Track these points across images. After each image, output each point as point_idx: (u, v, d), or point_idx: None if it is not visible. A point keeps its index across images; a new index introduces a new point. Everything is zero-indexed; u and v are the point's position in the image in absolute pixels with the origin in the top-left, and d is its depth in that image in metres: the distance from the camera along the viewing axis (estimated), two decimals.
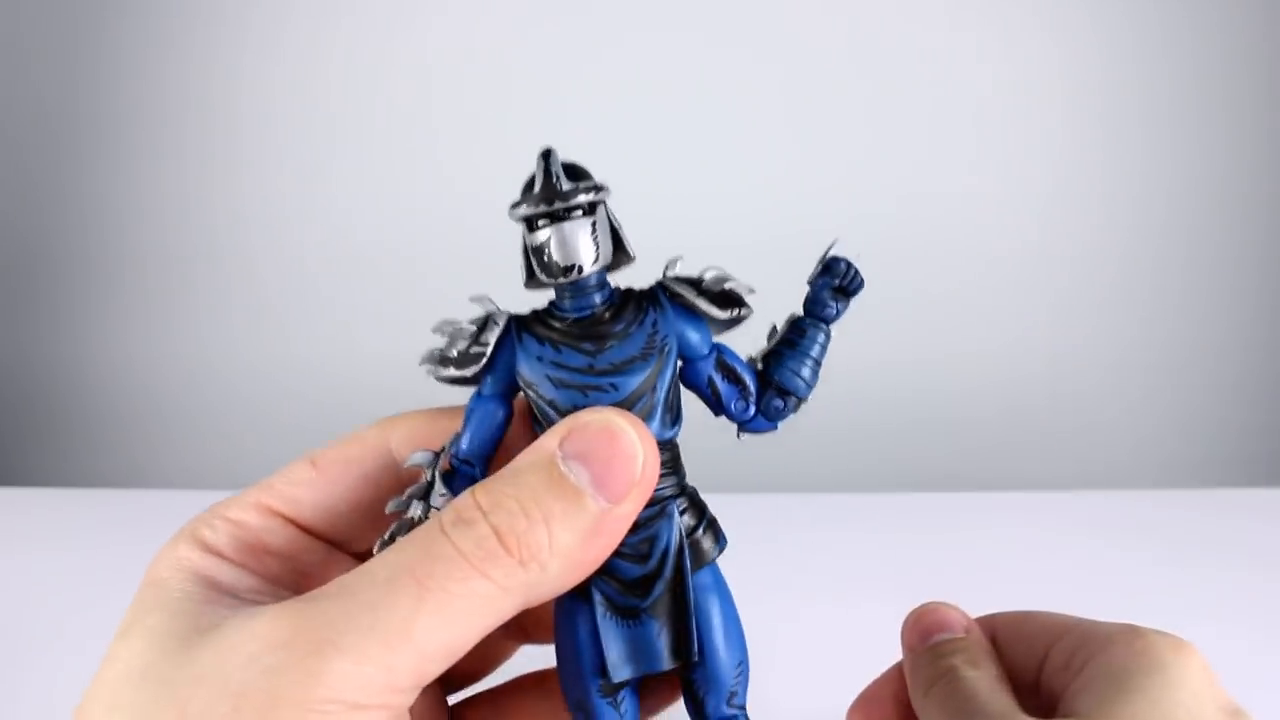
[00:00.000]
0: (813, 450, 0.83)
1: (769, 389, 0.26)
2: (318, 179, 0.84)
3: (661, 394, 0.25)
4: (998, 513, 0.66)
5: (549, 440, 0.23)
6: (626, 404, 0.24)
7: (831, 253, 0.26)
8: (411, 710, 0.27)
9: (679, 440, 0.26)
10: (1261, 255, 0.85)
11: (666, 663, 0.25)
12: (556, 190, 0.24)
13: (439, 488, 0.25)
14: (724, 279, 0.26)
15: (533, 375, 0.25)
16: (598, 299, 0.25)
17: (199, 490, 0.27)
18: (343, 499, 0.26)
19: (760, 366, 0.26)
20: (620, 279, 0.27)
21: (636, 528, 0.24)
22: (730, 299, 0.26)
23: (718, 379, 0.26)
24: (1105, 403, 0.87)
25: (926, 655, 0.29)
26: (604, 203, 0.25)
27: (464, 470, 0.25)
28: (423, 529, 0.22)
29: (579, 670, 0.25)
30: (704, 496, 0.27)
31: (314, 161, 0.84)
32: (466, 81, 0.82)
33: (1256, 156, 0.84)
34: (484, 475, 0.24)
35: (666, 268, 0.26)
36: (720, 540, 0.26)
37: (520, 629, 0.30)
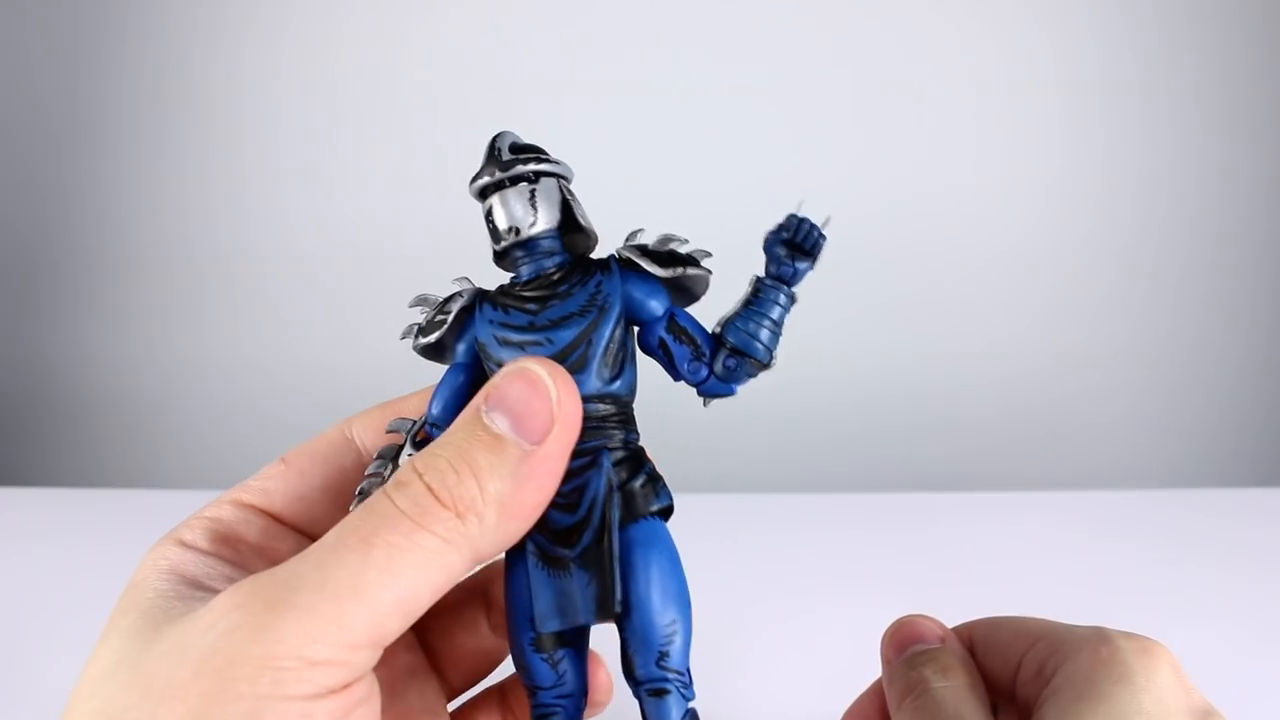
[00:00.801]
0: (813, 450, 0.83)
1: (723, 350, 0.26)
2: (318, 179, 0.84)
3: (599, 347, 0.25)
4: (998, 513, 0.66)
5: (477, 397, 0.23)
6: (560, 355, 0.25)
7: (792, 211, 0.26)
8: (413, 711, 0.27)
9: (632, 400, 0.26)
10: (1261, 255, 0.85)
11: (592, 615, 0.24)
12: (498, 162, 0.26)
13: (407, 449, 0.26)
14: (669, 239, 0.26)
15: (484, 338, 0.26)
16: (548, 264, 0.26)
17: (199, 490, 0.28)
18: (312, 488, 0.27)
19: (719, 330, 0.26)
20: None
21: (569, 477, 0.24)
22: (676, 258, 0.26)
23: (669, 340, 0.26)
24: (1105, 403, 0.87)
25: (900, 667, 0.29)
26: (556, 178, 0.26)
27: (435, 435, 0.26)
28: (370, 497, 0.22)
29: (515, 623, 0.25)
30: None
31: (314, 161, 0.84)
32: (468, 81, 0.82)
33: (1257, 156, 0.84)
34: None
35: (626, 239, 0.27)
36: (661, 495, 0.26)
37: (502, 615, 0.30)
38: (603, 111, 0.82)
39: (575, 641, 0.26)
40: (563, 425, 0.23)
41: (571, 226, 0.27)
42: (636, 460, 0.26)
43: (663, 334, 0.26)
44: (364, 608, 0.20)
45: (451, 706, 0.30)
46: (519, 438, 0.23)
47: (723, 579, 0.55)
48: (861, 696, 0.32)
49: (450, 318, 0.26)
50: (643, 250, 0.26)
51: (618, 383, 0.26)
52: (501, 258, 0.27)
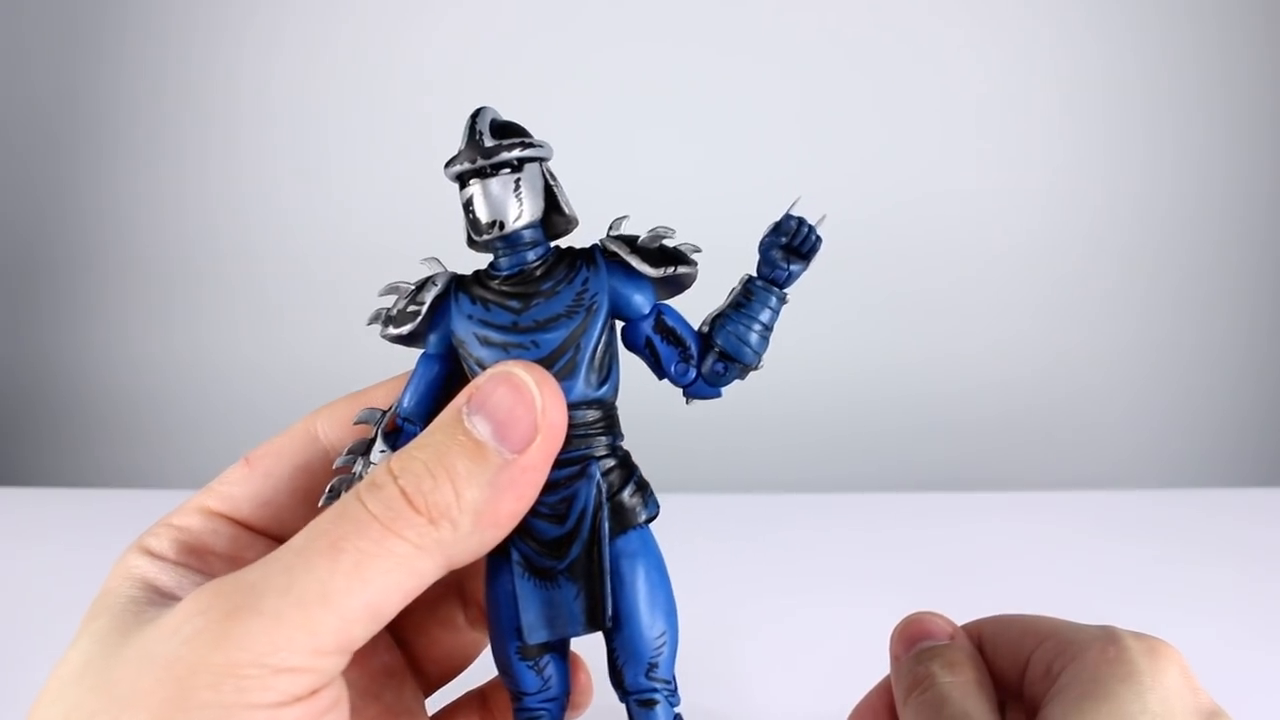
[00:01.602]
0: (813, 450, 0.83)
1: (711, 352, 0.25)
2: (317, 179, 0.84)
3: (586, 352, 0.24)
4: (998, 513, 0.66)
5: (459, 399, 0.23)
6: (547, 361, 0.24)
7: (788, 211, 0.25)
8: (390, 712, 0.26)
9: (618, 404, 0.25)
10: (1262, 255, 0.85)
11: (581, 627, 0.24)
12: (480, 147, 0.24)
13: (379, 444, 0.25)
14: (660, 235, 0.25)
15: (463, 334, 0.25)
16: (530, 256, 0.25)
17: (198, 490, 0.27)
18: (277, 490, 0.26)
19: (707, 330, 0.25)
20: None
21: (556, 487, 0.24)
22: (667, 255, 0.25)
23: (656, 340, 0.25)
24: (1105, 403, 0.86)
25: (908, 663, 0.29)
26: (539, 161, 0.25)
27: (407, 429, 0.25)
28: (341, 498, 0.22)
29: (499, 631, 0.25)
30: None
31: (314, 162, 0.84)
32: (468, 81, 0.82)
33: (1257, 157, 0.84)
34: None
35: (610, 228, 0.26)
36: (650, 505, 0.25)
37: (479, 609, 0.30)
38: (603, 112, 0.82)
39: (560, 646, 0.25)
40: (546, 435, 0.22)
41: (552, 211, 0.26)
42: (625, 468, 0.25)
43: (650, 333, 0.25)
44: (332, 614, 0.20)
45: (432, 710, 0.30)
46: (500, 445, 0.22)
47: (724, 579, 0.55)
48: (870, 693, 0.32)
49: (424, 309, 0.25)
50: (630, 245, 0.25)
51: (605, 387, 0.25)
52: (475, 245, 0.26)
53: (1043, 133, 0.83)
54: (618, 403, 0.26)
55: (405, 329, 0.25)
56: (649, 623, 0.24)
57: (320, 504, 0.26)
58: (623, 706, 0.25)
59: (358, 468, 0.25)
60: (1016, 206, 0.84)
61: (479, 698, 0.31)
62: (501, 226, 0.24)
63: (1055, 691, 0.26)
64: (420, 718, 0.29)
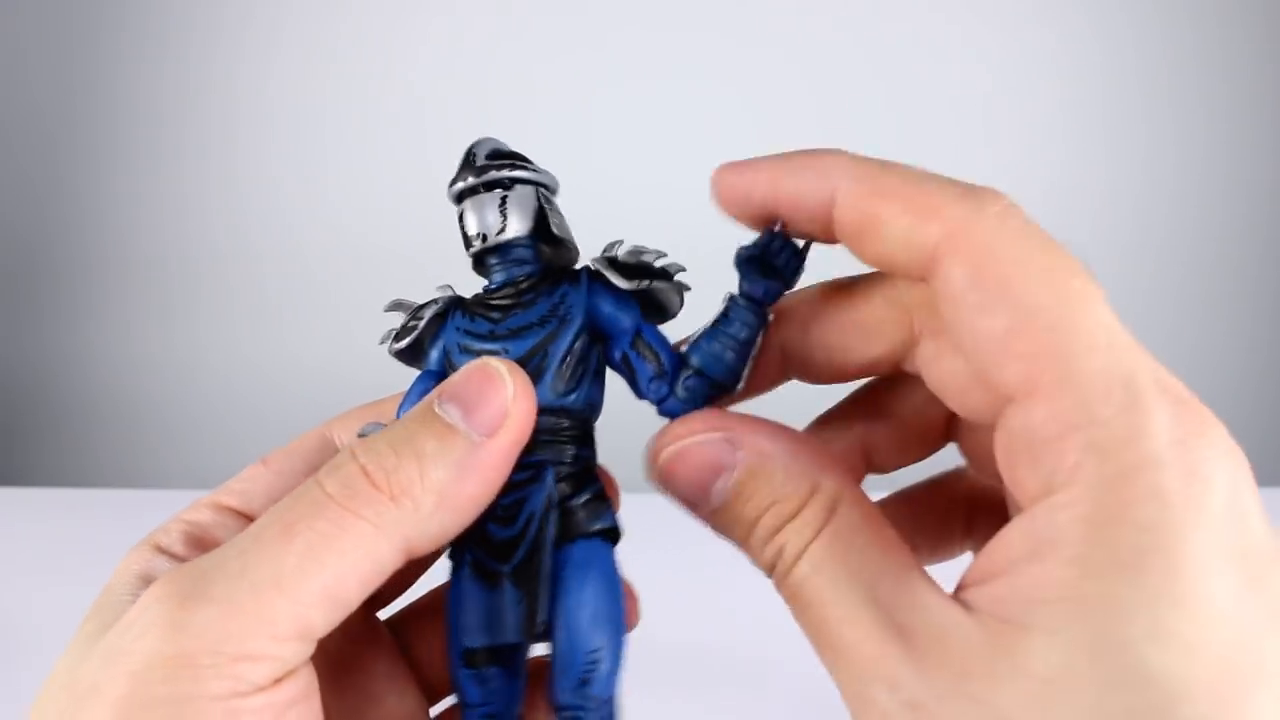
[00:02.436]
0: None
1: (687, 369, 0.25)
2: (318, 180, 0.84)
3: (554, 359, 0.24)
4: None
5: (430, 394, 0.23)
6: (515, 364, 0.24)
7: (769, 229, 0.24)
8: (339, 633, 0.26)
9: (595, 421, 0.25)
10: (1262, 255, 0.85)
11: (515, 634, 0.23)
12: (473, 168, 0.26)
13: None
14: (642, 252, 0.25)
15: (449, 344, 0.25)
16: (518, 273, 0.26)
17: (198, 490, 0.27)
18: (288, 487, 0.26)
19: (685, 349, 0.25)
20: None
21: (512, 489, 0.24)
22: (642, 270, 0.25)
23: (632, 356, 0.25)
24: None
25: (731, 525, 0.23)
26: (534, 185, 0.26)
27: None
28: (301, 485, 0.22)
29: (450, 636, 0.24)
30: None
31: (314, 162, 0.84)
32: (468, 81, 0.82)
33: (1257, 157, 0.84)
34: None
35: (603, 250, 0.26)
36: (604, 516, 0.24)
37: None
38: (607, 113, 0.82)
39: (510, 660, 0.24)
40: (514, 420, 0.22)
41: (548, 237, 0.26)
42: (582, 478, 0.25)
43: (627, 349, 0.25)
44: (285, 598, 0.19)
45: (434, 711, 0.29)
46: (469, 428, 0.22)
47: (724, 580, 0.55)
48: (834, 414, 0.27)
49: (423, 324, 0.26)
50: (612, 262, 0.25)
51: (572, 396, 0.24)
52: (478, 264, 0.26)
53: (1044, 136, 0.83)
54: (596, 422, 0.25)
55: (404, 342, 0.26)
56: (585, 634, 0.23)
57: None
58: None
59: None
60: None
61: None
62: (484, 238, 0.25)
63: (1043, 543, 0.18)
64: None
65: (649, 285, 0.25)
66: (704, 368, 0.24)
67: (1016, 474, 0.19)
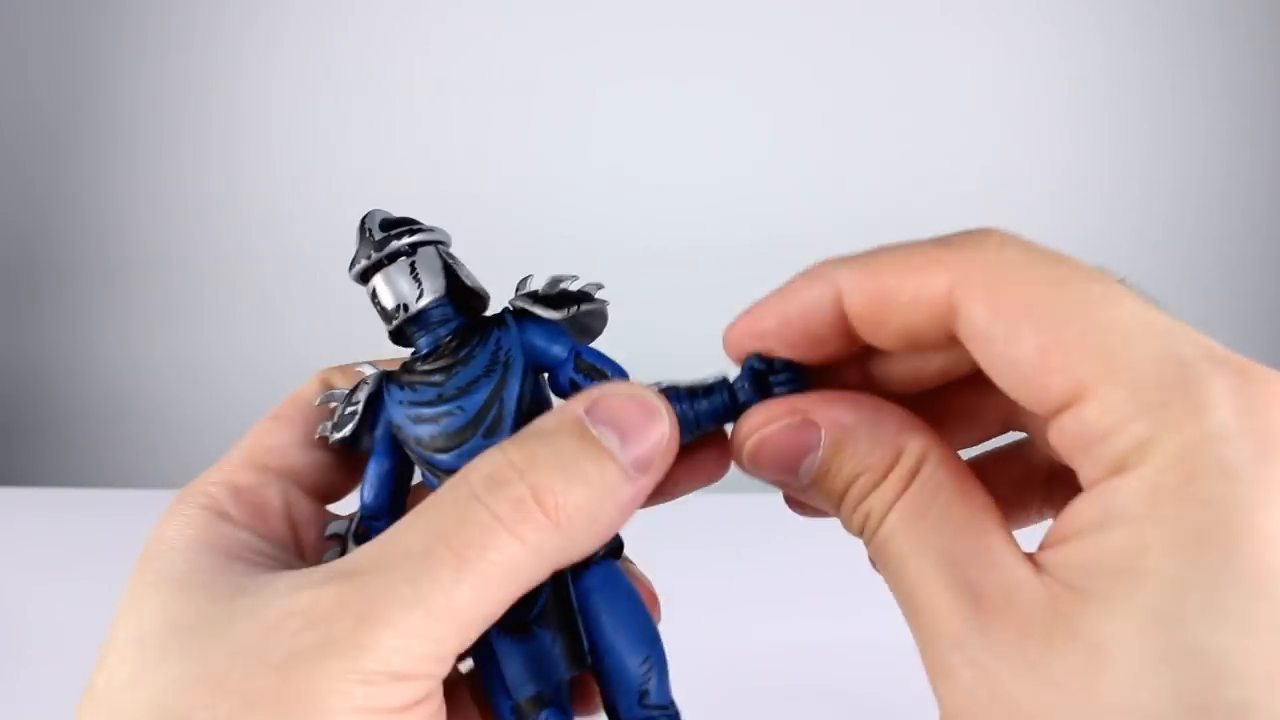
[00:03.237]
0: None
1: None
2: (318, 179, 0.84)
3: (510, 404, 0.24)
4: None
5: (574, 405, 0.22)
6: (475, 421, 0.24)
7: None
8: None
9: None
10: (1262, 255, 0.85)
11: (565, 670, 0.24)
12: (372, 242, 0.26)
13: (351, 548, 0.25)
14: (559, 280, 0.26)
15: (399, 419, 0.25)
16: (443, 333, 0.26)
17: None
18: (310, 436, 0.27)
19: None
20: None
21: None
22: (568, 298, 0.25)
23: (580, 379, 0.25)
24: None
25: (823, 497, 0.22)
26: (433, 244, 0.26)
27: (375, 526, 0.26)
28: (451, 491, 0.21)
29: (492, 695, 0.24)
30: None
31: (315, 163, 0.84)
32: (468, 82, 0.82)
33: (1257, 158, 0.84)
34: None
35: (517, 289, 0.26)
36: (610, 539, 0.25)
37: None
38: (608, 113, 0.82)
39: (555, 700, 0.25)
40: (666, 460, 0.22)
41: (460, 290, 0.26)
42: None
43: (572, 374, 0.25)
44: (454, 622, 0.20)
45: None
46: (625, 461, 0.22)
47: (728, 580, 0.55)
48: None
49: (360, 407, 0.26)
50: (533, 297, 0.26)
51: None
52: (397, 336, 0.27)
53: (1045, 136, 0.83)
54: None
55: (346, 430, 0.26)
56: (630, 651, 0.24)
57: (325, 557, 0.25)
58: None
59: (345, 547, 0.26)
60: (1017, 209, 0.84)
61: None
62: (406, 309, 0.25)
63: (1116, 553, 0.18)
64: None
65: (577, 310, 0.25)
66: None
67: (1080, 466, 0.19)
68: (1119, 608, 0.17)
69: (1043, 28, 0.82)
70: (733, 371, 0.25)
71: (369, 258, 0.26)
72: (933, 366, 0.23)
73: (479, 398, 0.24)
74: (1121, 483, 0.18)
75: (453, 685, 0.27)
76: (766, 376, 0.24)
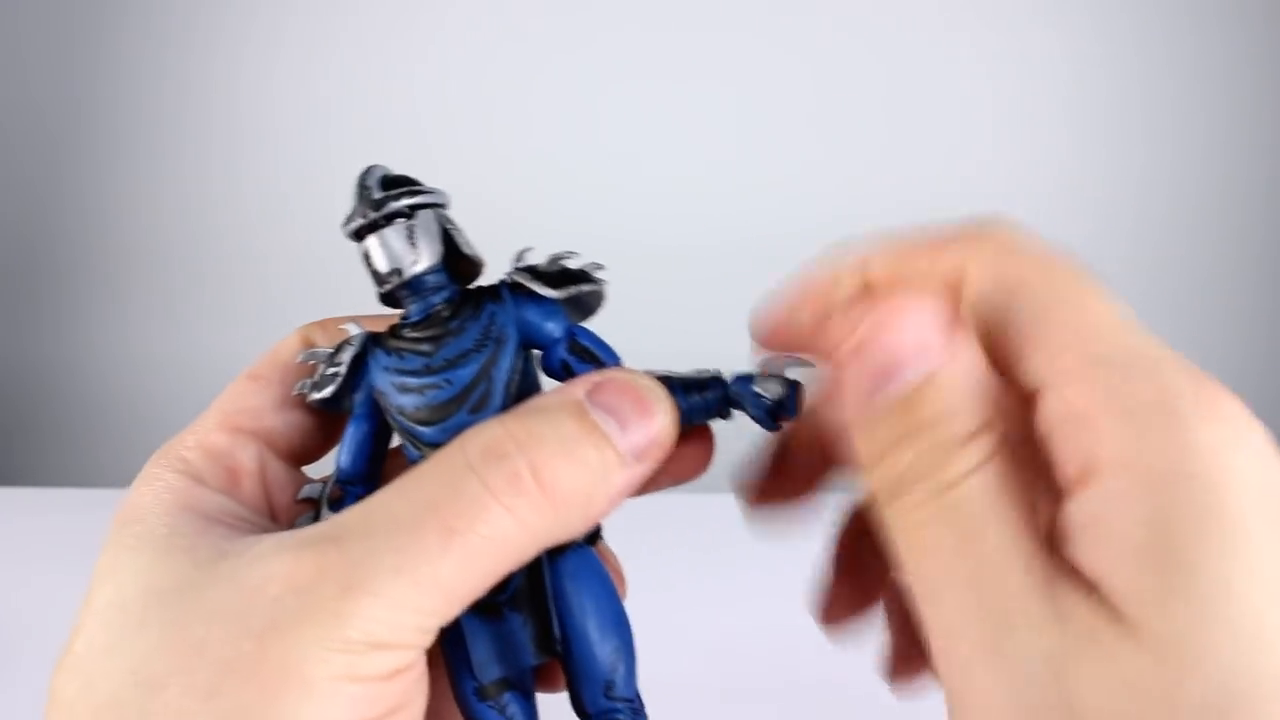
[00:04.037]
0: None
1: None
2: (318, 179, 0.84)
3: (500, 382, 0.24)
4: None
5: (576, 387, 0.22)
6: (461, 396, 0.24)
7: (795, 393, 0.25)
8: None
9: None
10: (1262, 255, 0.85)
11: (533, 655, 0.24)
12: (370, 201, 0.25)
13: (325, 513, 0.25)
14: (561, 258, 0.25)
15: (382, 385, 0.25)
16: (436, 300, 0.25)
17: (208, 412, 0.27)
18: (287, 397, 0.26)
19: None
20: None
21: None
22: (569, 277, 0.25)
23: (572, 362, 0.25)
24: None
25: (885, 425, 0.20)
26: (433, 208, 0.25)
27: (351, 491, 0.25)
28: (445, 460, 0.21)
29: (454, 676, 0.24)
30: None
31: (316, 162, 0.84)
32: (468, 81, 0.82)
33: (1257, 158, 0.84)
34: (370, 492, 0.23)
35: (515, 260, 0.25)
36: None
37: None
38: (609, 114, 0.82)
39: (519, 684, 0.25)
40: (662, 451, 0.22)
41: (456, 256, 0.25)
42: None
43: (565, 356, 0.25)
44: (440, 594, 0.20)
45: None
46: (621, 447, 0.22)
47: (725, 580, 0.55)
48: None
49: (344, 369, 0.25)
50: (532, 272, 0.25)
51: None
52: (387, 299, 0.26)
53: (1045, 137, 0.83)
54: None
55: (327, 391, 0.25)
56: (599, 641, 0.24)
57: (298, 521, 0.25)
58: None
59: (317, 513, 0.25)
60: (1016, 210, 0.84)
61: None
62: (400, 274, 0.25)
63: (1102, 534, 0.18)
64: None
65: (577, 291, 0.25)
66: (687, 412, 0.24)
67: (1056, 452, 0.19)
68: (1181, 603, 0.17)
69: (1038, 30, 0.82)
70: (728, 367, 0.25)
71: (365, 217, 0.25)
72: None
73: (468, 372, 0.24)
74: (1107, 487, 0.19)
75: (436, 654, 0.27)
76: (756, 387, 0.24)
